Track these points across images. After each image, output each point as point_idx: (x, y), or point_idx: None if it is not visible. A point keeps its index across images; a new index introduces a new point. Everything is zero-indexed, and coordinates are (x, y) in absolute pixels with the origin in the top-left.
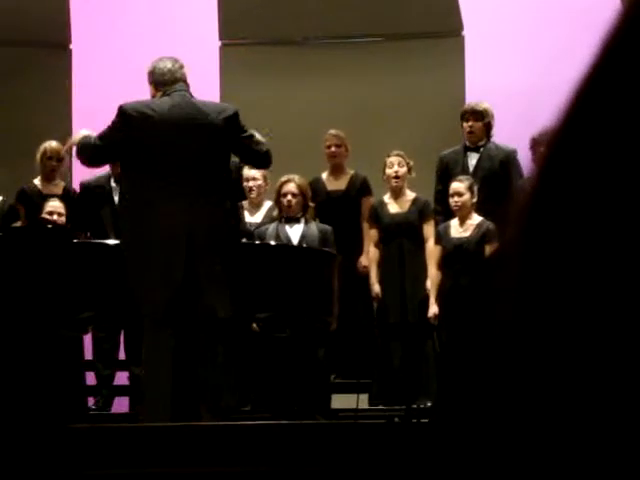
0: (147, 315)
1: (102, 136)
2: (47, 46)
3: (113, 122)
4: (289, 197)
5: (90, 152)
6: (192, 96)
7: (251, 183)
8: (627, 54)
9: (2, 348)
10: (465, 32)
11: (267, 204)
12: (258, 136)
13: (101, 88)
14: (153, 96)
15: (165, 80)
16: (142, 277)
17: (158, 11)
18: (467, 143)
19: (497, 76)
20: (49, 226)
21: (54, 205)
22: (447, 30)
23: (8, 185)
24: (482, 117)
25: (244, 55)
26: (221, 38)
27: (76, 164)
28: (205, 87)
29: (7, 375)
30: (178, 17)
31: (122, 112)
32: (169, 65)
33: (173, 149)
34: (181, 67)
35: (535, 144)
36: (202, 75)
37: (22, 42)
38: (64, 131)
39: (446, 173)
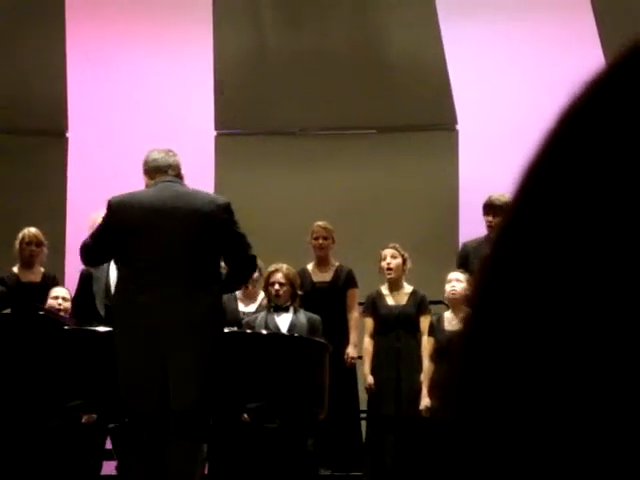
0: (130, 412)
1: (94, 235)
2: (44, 134)
3: (103, 218)
4: (277, 286)
5: (86, 254)
6: (184, 185)
7: None
8: (580, 132)
9: None
10: (459, 126)
11: (262, 295)
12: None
13: (96, 176)
14: (147, 185)
15: (156, 169)
16: (127, 371)
17: (155, 100)
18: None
19: (490, 169)
20: (40, 313)
21: (59, 290)
22: (441, 123)
23: None
24: (503, 211)
25: (238, 145)
26: (217, 128)
27: (69, 253)
28: (200, 176)
29: None
30: (175, 107)
31: (109, 205)
32: (159, 155)
33: (157, 238)
34: (173, 157)
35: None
36: (197, 164)
37: (20, 130)
38: (57, 217)
39: (466, 262)
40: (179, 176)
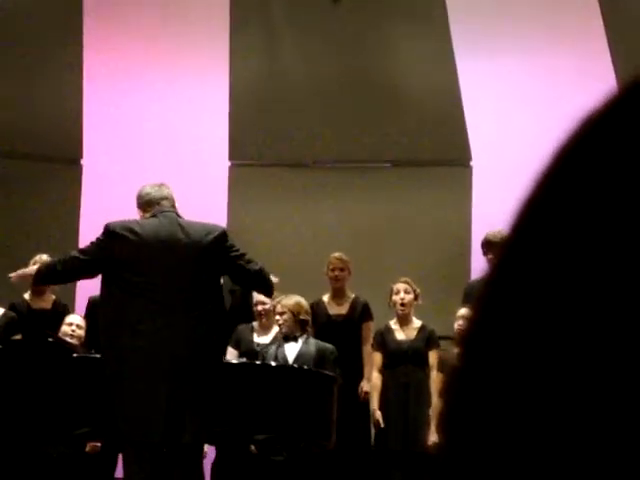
0: (130, 442)
1: (85, 251)
2: (59, 161)
3: (98, 239)
4: (277, 317)
5: (63, 268)
6: (180, 216)
7: (259, 307)
8: (575, 168)
9: None
10: (473, 162)
11: (276, 327)
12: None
13: (110, 204)
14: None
15: (149, 203)
16: (123, 402)
17: (170, 130)
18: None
19: (504, 206)
20: (49, 340)
21: (73, 318)
22: (455, 159)
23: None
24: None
25: (252, 176)
26: (231, 158)
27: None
28: (213, 206)
29: None
30: (189, 136)
31: (108, 230)
32: (152, 189)
33: (156, 268)
34: (166, 189)
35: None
36: (210, 194)
37: (34, 156)
38: (69, 245)
39: (472, 300)
40: (174, 207)
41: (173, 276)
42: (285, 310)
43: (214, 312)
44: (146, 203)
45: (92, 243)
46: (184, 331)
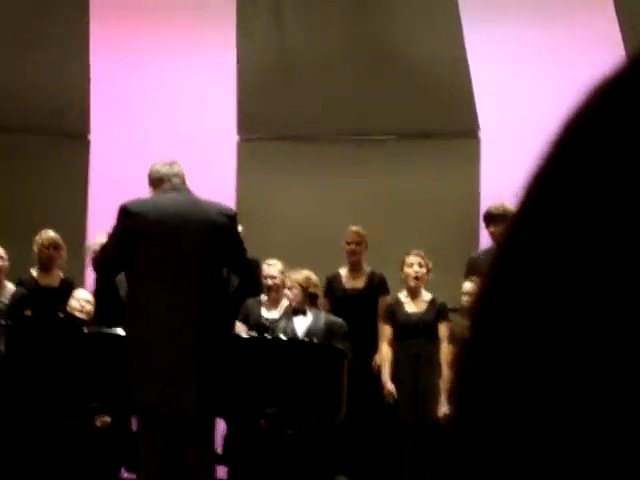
0: (141, 410)
1: (107, 245)
2: (66, 135)
3: (116, 224)
4: (286, 291)
5: (101, 265)
6: (192, 193)
7: (269, 281)
8: (586, 138)
9: (7, 436)
10: (481, 133)
11: (285, 301)
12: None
13: (118, 179)
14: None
15: (160, 180)
16: (138, 372)
17: (178, 104)
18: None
19: (512, 177)
20: (60, 315)
21: (82, 293)
22: (463, 130)
23: (10, 274)
24: (505, 220)
25: (261, 150)
26: (239, 133)
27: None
28: (222, 181)
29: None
30: (197, 112)
31: (122, 210)
32: (162, 167)
33: (170, 243)
34: (177, 167)
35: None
36: (219, 169)
37: (41, 130)
38: (78, 220)
39: (475, 273)
40: (184, 184)
41: (189, 251)
42: (294, 284)
43: (223, 286)
44: (157, 180)
45: (110, 235)
46: (194, 306)
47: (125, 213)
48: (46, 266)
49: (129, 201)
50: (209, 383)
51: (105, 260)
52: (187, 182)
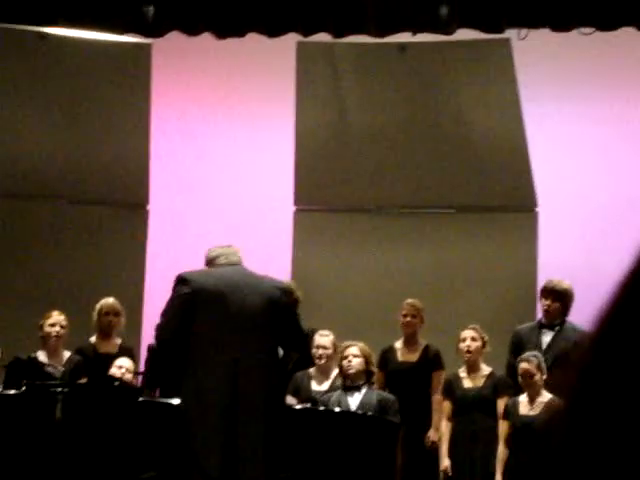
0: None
1: (164, 314)
2: (126, 206)
3: (172, 292)
4: (350, 358)
5: (159, 330)
6: (245, 268)
7: (320, 351)
8: None
9: None
10: (539, 208)
11: (335, 372)
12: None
13: (175, 250)
14: None
15: (215, 257)
16: (197, 439)
17: (236, 175)
18: (543, 320)
19: (569, 253)
20: (116, 383)
21: (122, 361)
22: (521, 205)
23: (71, 342)
24: (561, 297)
25: (317, 221)
26: (296, 204)
27: (146, 325)
28: (278, 251)
29: None
30: (255, 181)
31: (180, 278)
32: (217, 248)
33: (229, 310)
34: (233, 248)
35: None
36: (276, 239)
37: (101, 201)
38: (135, 290)
39: (519, 348)
40: (239, 260)
41: (245, 323)
42: (359, 354)
43: (275, 358)
44: (213, 257)
45: (168, 300)
46: (255, 378)
47: (182, 281)
48: (105, 333)
49: (185, 272)
50: (269, 454)
51: (163, 327)
52: (242, 255)
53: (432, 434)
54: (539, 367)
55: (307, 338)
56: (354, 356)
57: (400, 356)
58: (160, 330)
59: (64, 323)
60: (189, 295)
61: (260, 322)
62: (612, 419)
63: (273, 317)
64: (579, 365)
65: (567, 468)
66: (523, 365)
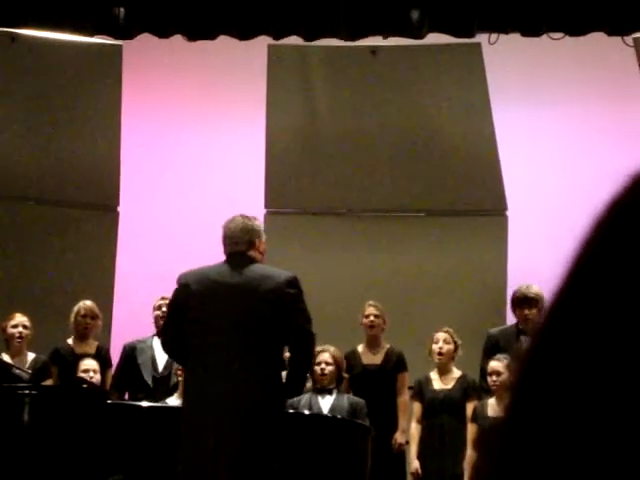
0: None
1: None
2: (96, 208)
3: (171, 297)
4: (322, 365)
5: (164, 342)
6: (251, 260)
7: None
8: (628, 221)
9: None
10: (509, 212)
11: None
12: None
13: (145, 252)
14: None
15: (223, 240)
16: (186, 446)
17: (205, 177)
18: (521, 327)
19: (539, 256)
20: (84, 386)
21: (88, 363)
22: (491, 209)
23: (43, 343)
24: (538, 303)
25: (288, 224)
26: (266, 206)
27: (116, 327)
28: None
29: None
30: (225, 184)
31: (179, 281)
32: (228, 231)
33: (224, 315)
34: (239, 233)
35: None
36: None
37: (71, 203)
38: (105, 292)
39: (496, 351)
40: (251, 246)
41: (240, 323)
42: (332, 361)
43: (276, 366)
44: (223, 241)
45: (167, 306)
46: (245, 383)
47: (177, 283)
48: (83, 335)
49: (183, 272)
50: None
51: (164, 336)
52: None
53: (398, 436)
54: (509, 367)
55: (312, 337)
56: (327, 364)
57: (364, 359)
58: (162, 341)
59: (27, 324)
60: (179, 299)
61: (251, 324)
62: (557, 408)
63: (271, 317)
64: (524, 355)
65: (513, 460)
66: (493, 364)
